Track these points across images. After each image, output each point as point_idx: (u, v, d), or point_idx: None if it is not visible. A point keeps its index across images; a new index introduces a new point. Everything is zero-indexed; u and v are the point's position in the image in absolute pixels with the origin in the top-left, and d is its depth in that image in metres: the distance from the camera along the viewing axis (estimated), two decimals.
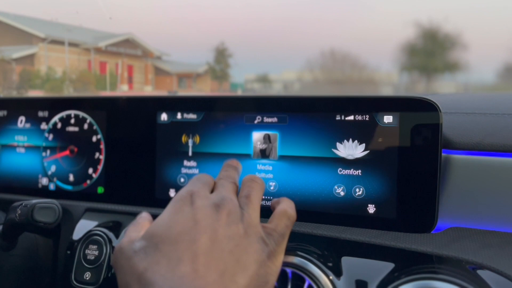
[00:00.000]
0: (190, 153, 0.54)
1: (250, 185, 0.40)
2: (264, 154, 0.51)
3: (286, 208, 0.39)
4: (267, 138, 0.50)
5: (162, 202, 0.55)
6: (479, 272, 0.38)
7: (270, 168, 0.50)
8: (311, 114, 0.49)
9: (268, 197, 0.50)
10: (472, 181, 0.45)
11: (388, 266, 0.41)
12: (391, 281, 0.38)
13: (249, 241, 0.34)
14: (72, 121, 0.61)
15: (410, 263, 0.40)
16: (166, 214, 0.35)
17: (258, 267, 0.33)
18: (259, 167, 0.51)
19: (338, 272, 0.40)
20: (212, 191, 0.39)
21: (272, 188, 0.50)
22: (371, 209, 0.46)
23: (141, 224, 0.38)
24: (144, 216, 0.39)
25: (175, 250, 0.32)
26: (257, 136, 0.51)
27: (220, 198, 0.36)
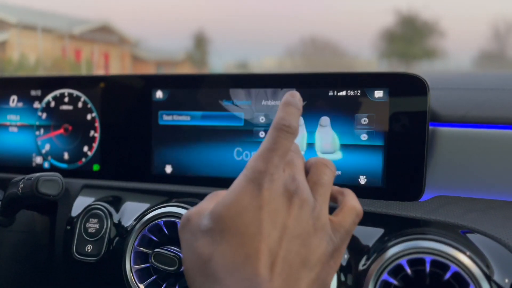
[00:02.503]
0: (186, 129, 0.55)
1: (323, 170, 0.35)
2: None
3: (355, 203, 0.36)
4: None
5: (158, 178, 0.56)
6: (464, 232, 0.41)
7: None
8: (304, 90, 0.50)
9: None
10: (458, 152, 0.48)
11: (380, 231, 0.43)
12: (383, 243, 0.41)
13: (317, 239, 0.31)
14: (66, 99, 0.61)
15: (400, 227, 0.43)
16: (232, 196, 0.31)
17: (321, 268, 0.31)
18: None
19: None
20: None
21: None
22: (363, 180, 0.49)
23: (218, 196, 0.34)
24: (219, 193, 0.35)
25: (241, 244, 0.30)
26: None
27: (294, 186, 0.32)
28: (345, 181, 0.49)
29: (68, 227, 0.54)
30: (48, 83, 0.62)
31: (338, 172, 0.49)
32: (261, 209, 0.30)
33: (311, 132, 0.50)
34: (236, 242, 0.30)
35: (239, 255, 0.29)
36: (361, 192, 0.48)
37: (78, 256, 0.51)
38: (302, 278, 0.30)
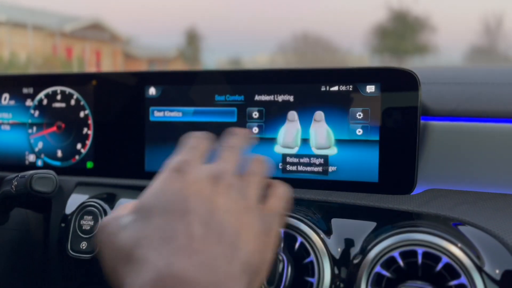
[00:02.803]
0: (178, 125, 0.55)
1: (255, 163, 0.38)
2: None
3: (281, 190, 0.39)
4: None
5: (152, 175, 0.56)
6: (455, 224, 0.41)
7: None
8: (296, 86, 0.51)
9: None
10: (449, 146, 0.48)
11: (373, 225, 0.44)
12: (376, 236, 0.41)
13: (249, 216, 0.33)
14: (59, 97, 0.61)
15: (392, 220, 0.43)
16: (155, 185, 0.33)
17: (258, 243, 0.32)
18: None
19: (328, 232, 0.43)
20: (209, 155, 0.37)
21: None
22: (358, 175, 0.49)
23: (127, 206, 0.35)
24: (130, 202, 0.36)
25: (168, 221, 0.30)
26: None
27: (218, 171, 0.34)
28: (341, 176, 0.50)
29: (63, 225, 0.54)
30: (40, 81, 0.62)
31: (333, 168, 0.50)
32: (186, 189, 0.31)
33: (305, 127, 0.51)
34: (162, 221, 0.30)
35: (166, 231, 0.29)
36: (356, 187, 0.49)
37: (73, 253, 0.51)
38: (239, 249, 0.30)
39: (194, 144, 0.37)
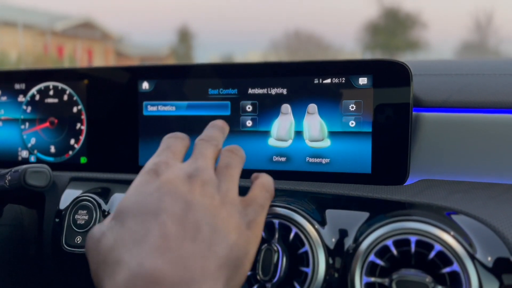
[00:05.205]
0: (171, 119, 0.55)
1: (230, 155, 0.38)
2: None
3: (265, 181, 0.39)
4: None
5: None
6: (448, 214, 0.42)
7: None
8: (289, 78, 0.51)
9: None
10: (440, 136, 0.49)
11: (366, 215, 0.44)
12: (369, 226, 0.42)
13: (227, 211, 0.33)
14: (51, 92, 0.61)
15: (385, 210, 0.44)
16: (131, 189, 0.33)
17: (238, 236, 0.33)
18: None
19: (322, 222, 0.44)
20: (186, 154, 0.38)
21: None
22: (351, 166, 0.50)
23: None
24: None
25: (141, 222, 0.30)
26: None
27: (193, 168, 0.34)
28: (334, 168, 0.50)
29: (57, 220, 0.53)
30: (32, 76, 0.62)
31: (326, 160, 0.50)
32: (160, 189, 0.32)
33: (298, 120, 0.51)
34: (135, 223, 0.30)
35: (139, 232, 0.30)
36: (349, 178, 0.49)
37: (68, 248, 0.51)
38: (217, 244, 0.31)
39: (169, 144, 0.37)
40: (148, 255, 0.28)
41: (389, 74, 0.48)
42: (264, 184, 0.39)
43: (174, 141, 0.38)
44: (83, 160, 0.60)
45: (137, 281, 0.27)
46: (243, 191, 0.41)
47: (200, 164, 0.35)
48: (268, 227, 0.43)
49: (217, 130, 0.40)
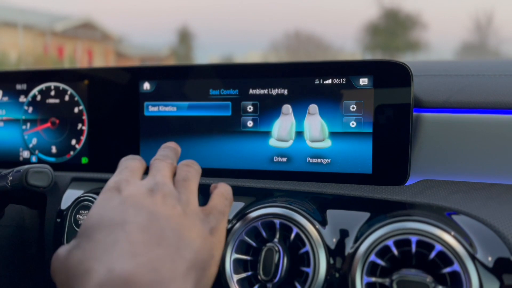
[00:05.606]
0: (172, 120, 0.55)
1: (187, 169, 0.40)
2: None
3: (223, 189, 0.41)
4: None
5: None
6: (448, 214, 0.42)
7: None
8: (290, 79, 0.51)
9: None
10: (441, 137, 0.49)
11: (367, 215, 0.44)
12: (370, 226, 0.42)
13: (189, 220, 0.35)
14: (52, 93, 0.61)
15: (386, 210, 0.44)
16: (94, 207, 0.34)
17: (202, 241, 0.34)
18: None
19: (323, 223, 0.44)
20: (144, 173, 0.39)
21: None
22: (352, 167, 0.50)
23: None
24: None
25: (108, 233, 0.31)
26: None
27: (153, 183, 0.36)
28: (335, 168, 0.50)
29: (58, 220, 0.54)
30: (33, 77, 0.62)
31: (327, 160, 0.50)
32: (123, 204, 0.33)
33: (299, 121, 0.51)
34: (103, 235, 0.31)
35: (107, 243, 0.31)
36: (350, 178, 0.49)
37: None
38: (183, 249, 0.32)
39: (127, 165, 0.39)
40: (118, 260, 0.29)
41: (390, 75, 0.48)
42: (223, 192, 0.41)
43: (131, 162, 0.39)
44: (84, 160, 0.60)
45: (108, 286, 0.28)
46: (243, 191, 0.42)
47: (159, 179, 0.37)
48: (269, 227, 0.44)
49: (169, 150, 0.43)
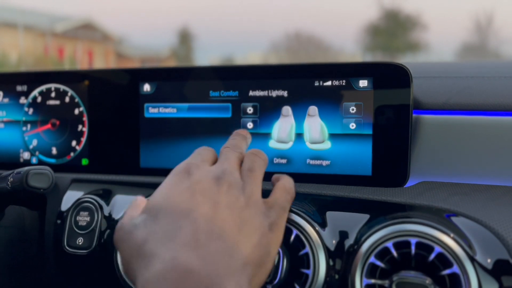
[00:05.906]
0: (172, 121, 0.55)
1: (254, 159, 0.40)
2: None
3: (286, 183, 0.41)
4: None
5: (147, 171, 0.57)
6: (448, 215, 0.42)
7: None
8: (290, 81, 0.51)
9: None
10: (440, 138, 0.49)
11: (366, 217, 0.44)
12: (370, 228, 0.42)
13: (251, 212, 0.35)
14: (53, 94, 0.61)
15: (385, 212, 0.44)
16: (163, 186, 0.36)
17: (260, 237, 0.34)
18: None
19: (323, 224, 0.44)
20: (214, 163, 0.40)
21: None
22: (352, 168, 0.50)
23: (139, 204, 0.37)
24: (140, 198, 0.39)
25: (174, 219, 0.32)
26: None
27: (220, 171, 0.37)
28: (334, 170, 0.50)
29: (58, 221, 0.54)
30: (34, 78, 0.62)
31: (327, 162, 0.50)
32: (190, 189, 0.34)
33: (299, 122, 0.51)
34: (168, 219, 0.32)
35: (172, 228, 0.32)
36: (350, 180, 0.49)
37: (69, 249, 0.51)
38: (241, 243, 0.32)
39: (200, 152, 0.40)
40: (181, 249, 0.30)
41: (389, 77, 0.48)
42: (285, 186, 0.41)
43: (204, 150, 0.41)
44: (84, 161, 0.60)
45: (170, 273, 0.29)
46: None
47: (226, 167, 0.37)
48: None
49: (240, 138, 0.43)
